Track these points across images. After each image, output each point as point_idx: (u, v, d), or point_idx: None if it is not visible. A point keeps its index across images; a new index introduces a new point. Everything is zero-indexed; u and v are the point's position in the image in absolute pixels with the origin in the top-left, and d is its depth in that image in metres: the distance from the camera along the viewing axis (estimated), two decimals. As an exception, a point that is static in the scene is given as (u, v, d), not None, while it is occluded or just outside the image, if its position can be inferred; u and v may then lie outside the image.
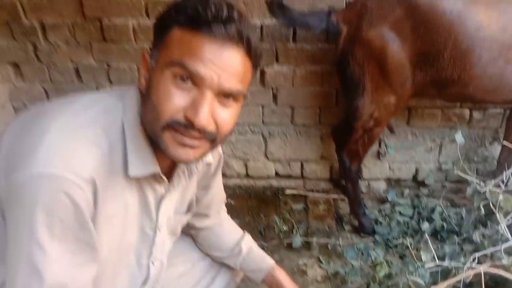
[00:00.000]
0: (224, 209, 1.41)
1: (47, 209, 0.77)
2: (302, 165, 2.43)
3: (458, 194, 2.31)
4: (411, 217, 2.16)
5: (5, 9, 2.04)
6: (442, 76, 1.69)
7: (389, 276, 1.69)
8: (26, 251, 0.78)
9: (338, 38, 1.77)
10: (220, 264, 1.38)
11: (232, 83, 0.83)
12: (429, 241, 1.50)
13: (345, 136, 2.03)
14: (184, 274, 1.33)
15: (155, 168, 0.93)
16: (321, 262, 1.97)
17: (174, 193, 1.05)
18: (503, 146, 2.01)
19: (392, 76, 1.72)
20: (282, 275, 1.32)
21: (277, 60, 2.11)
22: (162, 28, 0.85)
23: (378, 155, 2.35)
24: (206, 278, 1.36)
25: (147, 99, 0.86)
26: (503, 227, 1.40)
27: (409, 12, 1.64)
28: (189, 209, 1.19)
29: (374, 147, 2.31)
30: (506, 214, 1.46)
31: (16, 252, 0.80)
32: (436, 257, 1.45)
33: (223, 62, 0.81)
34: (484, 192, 1.63)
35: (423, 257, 1.49)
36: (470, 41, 1.61)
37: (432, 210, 2.14)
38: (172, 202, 1.07)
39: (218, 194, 1.31)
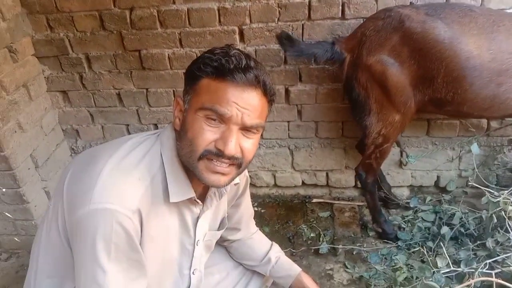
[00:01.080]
0: (253, 223, 1.57)
1: (104, 237, 0.95)
2: (327, 174, 2.57)
3: (479, 199, 2.39)
4: (433, 223, 2.27)
5: (54, 44, 2.28)
6: (438, 97, 1.82)
7: (408, 280, 1.82)
8: (90, 273, 0.97)
9: (343, 64, 1.93)
10: (252, 271, 1.55)
11: (253, 119, 1.02)
12: (444, 248, 1.63)
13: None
14: (221, 281, 1.50)
15: (191, 193, 1.12)
16: (347, 267, 2.11)
17: (208, 212, 1.23)
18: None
19: (394, 97, 1.86)
20: (309, 281, 1.47)
21: (300, 79, 2.27)
22: (192, 77, 1.04)
23: (400, 164, 2.47)
24: (240, 284, 1.53)
25: (183, 135, 1.05)
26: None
27: (405, 40, 1.77)
28: (221, 225, 1.36)
29: (396, 157, 2.44)
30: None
31: (83, 274, 0.99)
32: (450, 263, 1.58)
33: (244, 103, 1.00)
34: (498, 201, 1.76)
35: (439, 263, 1.62)
36: (461, 69, 1.72)
37: (453, 216, 2.23)
38: (207, 220, 1.25)
39: (247, 210, 1.49)
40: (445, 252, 1.61)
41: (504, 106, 1.80)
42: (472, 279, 1.48)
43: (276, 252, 1.53)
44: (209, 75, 1.00)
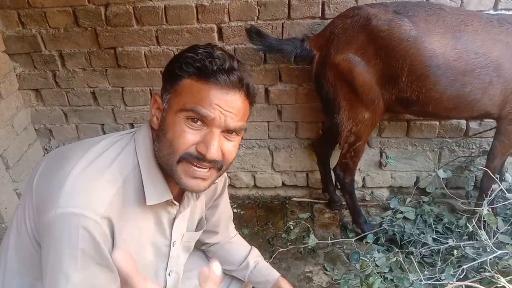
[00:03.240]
0: (232, 226, 1.53)
1: (70, 243, 0.91)
2: (307, 175, 2.55)
3: (458, 200, 2.40)
4: (413, 224, 2.26)
5: (26, 41, 2.21)
6: (404, 96, 1.82)
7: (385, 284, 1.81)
8: (54, 280, 0.93)
9: (312, 62, 1.92)
10: (231, 275, 1.51)
11: (236, 122, 0.98)
12: (414, 262, 1.63)
13: (326, 149, 2.28)
14: (198, 285, 1.47)
15: (169, 195, 1.07)
16: (326, 269, 2.09)
17: (185, 213, 1.19)
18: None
19: (362, 95, 1.85)
20: (287, 286, 1.44)
21: (280, 79, 2.24)
22: (172, 76, 0.99)
23: (380, 165, 2.46)
24: None
25: (161, 136, 1.00)
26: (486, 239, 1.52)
27: (371, 38, 1.76)
28: (199, 226, 1.32)
29: (376, 158, 2.43)
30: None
31: (47, 280, 0.94)
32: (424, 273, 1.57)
33: (227, 105, 0.97)
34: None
35: (411, 277, 1.62)
36: (425, 68, 1.71)
37: (433, 216, 2.24)
38: (184, 221, 1.21)
39: (225, 212, 1.45)
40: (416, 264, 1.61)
41: (469, 107, 1.80)
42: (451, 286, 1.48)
43: (255, 257, 1.49)
44: (191, 75, 0.96)
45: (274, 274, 1.47)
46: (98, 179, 0.96)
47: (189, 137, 0.97)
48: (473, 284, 1.06)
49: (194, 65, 0.96)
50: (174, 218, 1.16)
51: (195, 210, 1.27)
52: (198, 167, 0.99)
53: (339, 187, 2.32)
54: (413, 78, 1.75)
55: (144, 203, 1.03)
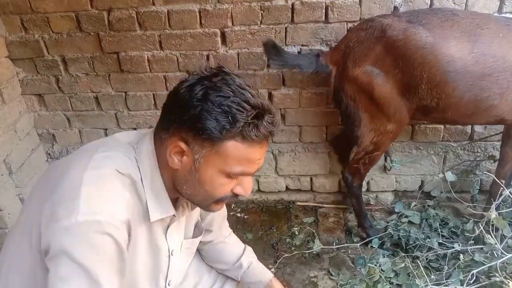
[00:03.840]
0: (226, 224, 1.52)
1: (96, 249, 0.91)
2: (311, 179, 2.54)
3: (463, 204, 2.39)
4: (419, 229, 2.24)
5: (29, 46, 2.20)
6: (424, 104, 1.80)
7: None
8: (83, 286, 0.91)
9: (329, 77, 1.91)
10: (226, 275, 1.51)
11: (262, 163, 1.03)
12: (421, 267, 1.61)
13: (345, 147, 2.25)
14: (196, 285, 1.46)
15: (172, 211, 1.08)
16: (331, 274, 2.07)
17: (180, 220, 1.19)
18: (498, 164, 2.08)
19: (383, 106, 1.84)
20: (279, 285, 1.45)
21: (283, 83, 2.23)
22: (209, 133, 0.93)
23: (385, 169, 2.45)
24: (215, 287, 1.50)
25: (192, 181, 1.01)
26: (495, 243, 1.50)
27: (387, 48, 1.75)
28: (197, 231, 1.31)
29: (381, 162, 2.41)
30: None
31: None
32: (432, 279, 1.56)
33: (263, 155, 1.01)
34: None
35: (418, 281, 1.61)
36: (443, 74, 1.70)
37: (438, 221, 2.23)
38: (179, 229, 1.21)
39: (219, 211, 1.44)
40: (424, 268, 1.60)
41: (487, 113, 1.79)
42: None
43: (249, 257, 1.49)
44: (235, 137, 0.94)
45: (267, 274, 1.47)
46: (111, 186, 0.97)
47: (229, 188, 1.02)
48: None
49: (238, 129, 0.92)
50: (168, 227, 1.16)
51: (190, 218, 1.27)
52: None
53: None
54: (433, 84, 1.73)
55: (147, 218, 1.05)
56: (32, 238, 0.98)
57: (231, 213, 2.51)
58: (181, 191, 1.06)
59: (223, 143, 0.94)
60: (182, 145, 0.97)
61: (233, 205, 2.56)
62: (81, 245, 0.90)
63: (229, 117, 0.91)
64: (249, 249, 1.52)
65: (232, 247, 1.50)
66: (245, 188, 1.02)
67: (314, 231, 2.27)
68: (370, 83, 1.80)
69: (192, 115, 0.93)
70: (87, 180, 0.94)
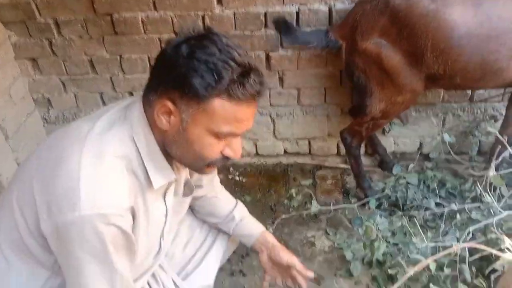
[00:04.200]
0: (217, 180, 1.55)
1: (103, 240, 0.94)
2: (309, 142, 2.53)
3: (461, 166, 2.39)
4: (417, 189, 2.25)
5: (20, 8, 2.14)
6: (432, 72, 1.79)
7: (389, 249, 1.82)
8: (103, 275, 0.98)
9: (340, 52, 1.94)
10: (217, 230, 1.55)
11: (251, 125, 1.03)
12: (418, 226, 1.64)
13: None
14: (188, 242, 1.52)
15: (173, 176, 1.10)
16: (328, 234, 2.10)
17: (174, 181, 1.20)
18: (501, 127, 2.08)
19: (393, 77, 1.85)
20: (272, 237, 1.48)
21: (281, 45, 2.18)
22: (195, 91, 0.92)
23: (383, 131, 2.43)
24: (207, 241, 1.54)
25: (182, 143, 1.01)
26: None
27: (392, 20, 1.75)
28: (188, 191, 1.31)
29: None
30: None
31: (86, 277, 0.97)
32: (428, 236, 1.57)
33: (252, 115, 1.01)
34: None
35: (414, 239, 1.63)
36: (448, 40, 1.69)
37: (436, 182, 2.22)
38: (172, 187, 1.22)
39: None
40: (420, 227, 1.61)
41: (496, 76, 1.77)
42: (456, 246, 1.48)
43: (241, 211, 1.53)
44: (221, 95, 0.94)
45: (259, 227, 1.50)
46: (110, 173, 0.97)
47: (217, 149, 1.02)
48: (478, 246, 1.05)
49: (232, 88, 0.93)
50: (166, 190, 1.17)
51: (180, 175, 1.27)
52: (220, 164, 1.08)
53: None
54: (438, 52, 1.72)
55: (150, 186, 1.06)
56: (25, 216, 1.00)
57: (229, 177, 2.52)
58: (171, 153, 1.06)
59: (209, 101, 0.93)
60: (169, 104, 0.96)
61: (231, 168, 2.57)
62: (89, 236, 0.92)
63: (214, 74, 0.91)
64: (240, 203, 1.55)
65: (225, 201, 1.53)
66: (235, 150, 1.03)
67: (311, 193, 2.28)
68: (379, 55, 1.81)
69: (178, 73, 0.93)
70: (86, 169, 0.94)
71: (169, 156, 1.07)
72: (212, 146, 1.00)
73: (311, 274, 1.42)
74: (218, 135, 0.99)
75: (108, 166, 0.97)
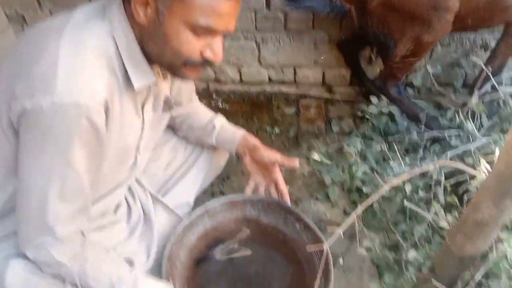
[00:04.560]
0: (196, 98, 1.53)
1: (72, 133, 0.90)
2: (295, 70, 2.48)
3: (445, 98, 2.38)
4: (399, 119, 2.24)
5: None
6: None
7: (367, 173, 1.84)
8: (59, 172, 0.94)
9: (350, 16, 1.85)
10: (200, 149, 1.56)
11: (235, 25, 0.98)
12: (397, 152, 1.71)
13: (356, 48, 2.22)
14: (171, 162, 1.52)
15: (152, 77, 1.06)
16: (309, 159, 2.12)
17: (153, 92, 1.18)
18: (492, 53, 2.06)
19: (411, 21, 1.77)
20: (254, 139, 1.49)
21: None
22: None
23: (370, 60, 2.39)
24: (189, 161, 1.55)
25: (159, 38, 0.96)
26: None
27: None
28: (167, 107, 1.29)
29: (366, 52, 2.34)
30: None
31: (38, 171, 0.93)
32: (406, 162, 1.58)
33: (234, 11, 0.95)
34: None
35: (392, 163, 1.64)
36: None
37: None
38: (151, 101, 1.20)
39: (185, 83, 1.42)
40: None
41: (504, 13, 1.76)
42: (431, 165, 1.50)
43: (221, 120, 1.53)
44: None
45: (240, 131, 1.51)
46: (89, 63, 0.93)
47: (196, 46, 0.97)
48: (454, 163, 1.06)
49: None
50: (145, 101, 1.14)
51: (160, 91, 1.24)
52: (201, 68, 1.04)
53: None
54: None
55: (128, 89, 1.02)
56: (1, 118, 0.95)
57: (212, 103, 2.48)
58: (148, 51, 1.01)
59: None
60: None
61: (214, 95, 2.53)
62: (56, 125, 0.89)
63: None
64: (220, 115, 1.55)
65: (204, 114, 1.53)
66: (215, 52, 0.99)
67: (295, 120, 2.27)
68: (393, 3, 1.74)
69: None
70: (65, 57, 0.90)
71: (149, 60, 1.04)
72: (190, 43, 0.96)
73: (296, 163, 1.45)
74: (196, 30, 0.94)
75: (88, 58, 0.93)
